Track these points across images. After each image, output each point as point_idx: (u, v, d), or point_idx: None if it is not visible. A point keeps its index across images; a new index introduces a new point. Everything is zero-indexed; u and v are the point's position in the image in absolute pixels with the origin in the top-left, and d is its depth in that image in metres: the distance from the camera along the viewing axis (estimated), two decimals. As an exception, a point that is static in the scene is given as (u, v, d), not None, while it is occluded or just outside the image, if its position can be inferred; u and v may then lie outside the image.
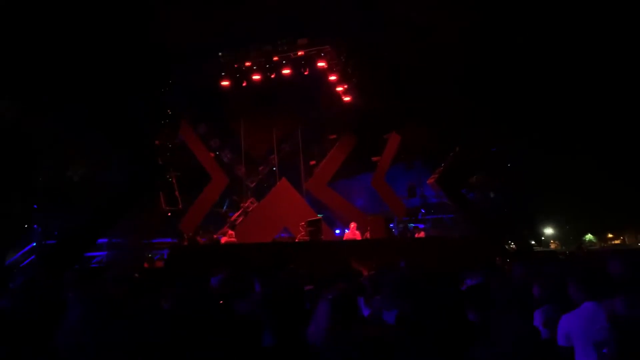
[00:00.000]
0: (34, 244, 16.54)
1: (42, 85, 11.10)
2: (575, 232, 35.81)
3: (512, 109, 14.50)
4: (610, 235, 38.57)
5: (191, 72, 13.72)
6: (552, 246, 35.98)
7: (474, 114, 14.59)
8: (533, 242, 26.73)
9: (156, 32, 11.71)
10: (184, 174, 14.72)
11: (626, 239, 37.77)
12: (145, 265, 13.00)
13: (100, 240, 14.93)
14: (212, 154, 16.18)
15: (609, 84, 14.45)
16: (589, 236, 37.70)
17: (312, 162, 17.39)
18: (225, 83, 14.02)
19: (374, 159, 16.87)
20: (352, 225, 13.75)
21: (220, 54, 13.85)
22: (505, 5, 12.08)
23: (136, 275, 7.52)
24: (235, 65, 14.06)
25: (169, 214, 14.45)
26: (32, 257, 16.23)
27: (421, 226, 16.94)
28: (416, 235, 15.09)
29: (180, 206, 14.22)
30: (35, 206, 15.62)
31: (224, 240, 13.42)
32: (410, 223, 16.97)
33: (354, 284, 4.74)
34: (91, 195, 13.79)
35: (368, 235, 13.95)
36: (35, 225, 16.44)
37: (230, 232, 14.05)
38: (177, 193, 14.08)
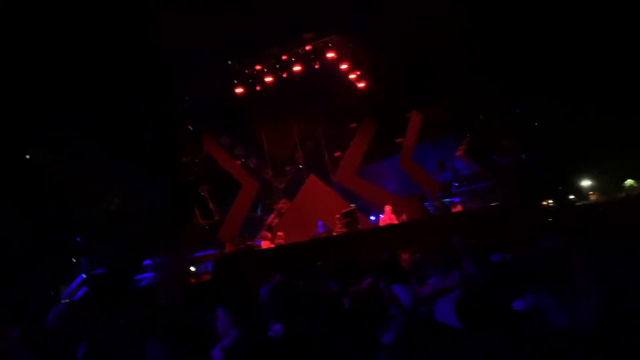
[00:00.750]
0: (83, 276, 17.10)
1: (66, 124, 11.39)
2: (614, 180, 34.76)
3: (530, 65, 14.12)
4: (652, 177, 37.22)
5: (205, 85, 13.87)
6: (592, 197, 35.02)
7: (491, 79, 14.27)
8: (572, 197, 26.08)
9: (164, 51, 11.87)
10: (214, 186, 14.92)
11: (669, 178, 36.42)
12: (192, 280, 13.27)
13: (146, 262, 15.33)
14: (238, 162, 16.35)
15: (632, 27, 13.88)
16: (629, 181, 36.48)
17: (337, 154, 17.35)
18: (239, 90, 14.13)
19: (398, 140, 16.72)
20: (387, 208, 13.65)
21: (229, 62, 13.97)
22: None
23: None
24: (246, 71, 14.16)
25: (207, 227, 14.70)
26: (84, 289, 16.78)
27: (457, 200, 16.70)
28: (453, 210, 14.91)
29: (216, 217, 14.44)
30: (78, 239, 16.12)
31: (264, 244, 13.55)
32: (445, 198, 16.77)
33: (383, 273, 4.53)
34: (129, 221, 14.14)
35: (405, 217, 13.85)
36: (81, 258, 16.98)
37: (268, 234, 14.20)
38: (211, 205, 14.30)
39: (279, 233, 13.97)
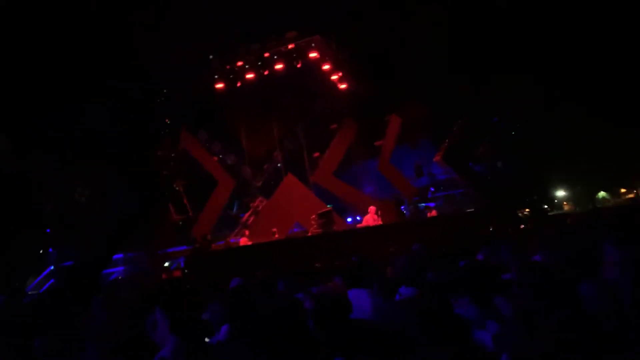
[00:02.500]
0: (52, 267, 16.72)
1: (36, 113, 11.11)
2: (587, 191, 35.46)
3: (508, 74, 14.30)
4: (623, 190, 38.16)
5: (184, 79, 13.68)
6: (566, 208, 35.73)
7: (470, 86, 14.43)
8: (546, 207, 26.54)
9: (145, 42, 11.68)
10: (190, 182, 14.74)
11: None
12: (164, 276, 13.08)
13: (116, 257, 15.05)
14: (216, 158, 16.18)
15: (610, 31, 14.14)
16: (602, 193, 37.32)
17: (316, 154, 17.33)
18: (219, 86, 13.97)
19: (377, 143, 16.78)
20: (371, 209, 13.60)
21: (210, 57, 13.81)
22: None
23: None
24: (227, 67, 14.00)
25: (180, 222, 14.50)
26: (52, 280, 16.41)
27: (432, 205, 16.86)
28: (428, 215, 15.02)
29: (190, 214, 14.26)
30: (47, 230, 15.75)
31: (242, 241, 13.46)
32: (420, 203, 16.91)
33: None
34: (101, 214, 13.88)
35: (380, 220, 13.89)
36: (50, 249, 16.60)
37: (247, 232, 14.12)
38: (185, 201, 14.11)
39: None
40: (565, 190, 36.52)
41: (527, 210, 17.65)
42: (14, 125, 11.17)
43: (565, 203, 37.42)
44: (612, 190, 37.80)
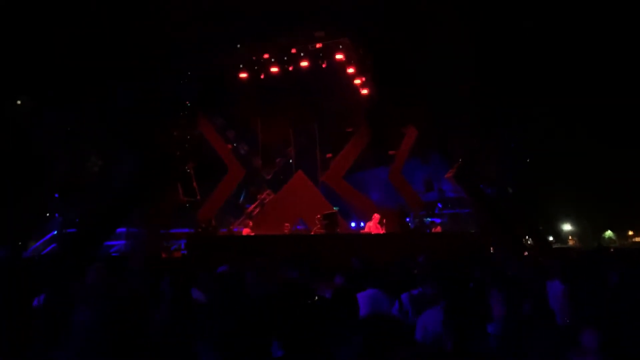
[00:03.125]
0: (55, 232, 16.89)
1: (55, 79, 11.27)
2: (594, 229, 35.13)
3: (530, 104, 14.29)
4: (631, 233, 37.77)
5: (209, 63, 13.77)
6: (571, 243, 35.45)
7: (492, 110, 14.42)
8: (551, 238, 26.32)
9: (173, 23, 11.78)
10: (201, 165, 14.82)
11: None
12: (163, 255, 13.17)
13: (119, 230, 15.17)
14: (230, 146, 16.27)
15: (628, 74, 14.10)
16: (608, 233, 36.99)
17: (329, 155, 17.36)
18: (243, 75, 14.07)
19: (391, 152, 16.77)
20: (375, 216, 13.66)
21: (238, 45, 13.88)
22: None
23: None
24: (254, 58, 14.09)
25: (187, 204, 14.60)
26: (53, 245, 16.59)
27: (437, 220, 16.82)
28: (433, 230, 15.00)
29: (198, 197, 14.35)
30: (56, 195, 15.93)
31: (245, 231, 13.52)
32: (426, 217, 16.87)
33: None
34: (108, 185, 14.02)
35: (383, 229, 13.90)
36: (56, 214, 16.78)
37: (249, 222, 14.18)
38: (194, 184, 14.20)
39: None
40: (571, 225, 36.30)
41: (530, 239, 17.56)
42: (38, 88, 11.33)
43: (570, 238, 37.21)
44: (619, 231, 37.51)
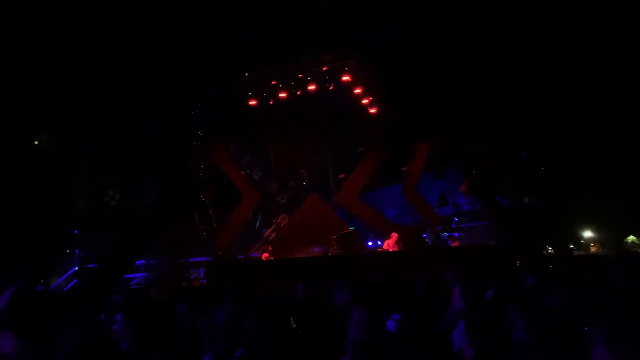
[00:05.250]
0: (76, 268, 17.05)
1: (74, 113, 11.55)
2: (616, 234, 34.40)
3: (543, 111, 14.22)
4: (654, 237, 36.85)
5: (220, 92, 14.05)
6: (593, 249, 34.71)
7: (502, 118, 14.37)
8: (572, 246, 25.86)
9: (184, 55, 12.07)
10: (217, 193, 14.98)
11: (672, 239, 36.07)
12: (183, 284, 13.23)
13: (139, 262, 15.28)
14: (243, 172, 16.44)
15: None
16: (631, 237, 36.16)
17: (342, 175, 17.44)
18: (252, 102, 14.31)
19: (404, 169, 16.79)
20: (394, 235, 13.63)
21: (246, 74, 14.17)
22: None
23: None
24: (262, 85, 14.36)
25: (204, 233, 14.72)
26: (75, 281, 16.74)
27: (455, 235, 16.67)
28: (452, 244, 14.88)
29: (215, 225, 14.46)
30: (76, 231, 16.15)
31: (264, 256, 13.57)
32: (443, 232, 16.75)
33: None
34: (127, 218, 14.19)
35: (400, 246, 13.84)
36: (76, 250, 16.97)
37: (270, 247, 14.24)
38: (211, 212, 14.33)
39: (270, 248, 13.96)
40: (593, 232, 35.60)
41: (552, 249, 17.28)
42: (58, 123, 11.60)
43: (592, 244, 36.43)
44: (642, 235, 36.66)
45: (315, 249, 16.00)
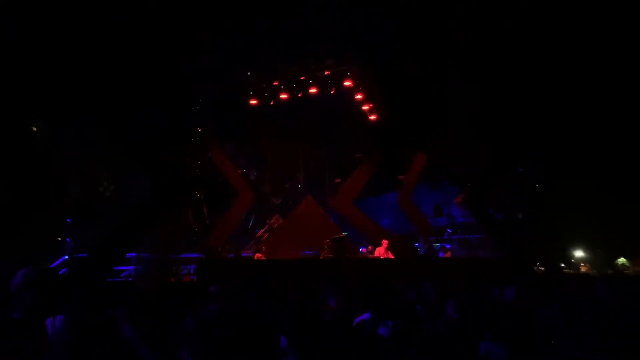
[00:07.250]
0: (66, 257, 16.97)
1: (72, 104, 11.54)
2: (607, 256, 34.55)
3: (540, 130, 14.31)
4: (645, 259, 37.02)
5: (220, 91, 14.06)
6: (583, 269, 34.83)
7: (500, 134, 14.45)
8: (563, 265, 25.95)
9: (185, 52, 12.09)
10: (211, 191, 14.97)
11: (662, 264, 36.24)
12: (172, 279, 13.19)
13: (129, 255, 15.22)
14: (240, 171, 16.43)
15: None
16: (621, 260, 36.33)
17: (338, 180, 17.46)
18: (253, 102, 14.33)
19: (400, 177, 16.83)
20: (384, 242, 13.65)
21: (248, 73, 14.18)
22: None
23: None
24: (263, 85, 14.37)
25: (197, 229, 14.69)
26: (64, 269, 16.65)
27: (447, 246, 16.72)
28: (442, 256, 14.90)
29: (207, 222, 14.44)
30: (68, 220, 16.09)
31: (257, 256, 13.54)
32: (436, 243, 16.79)
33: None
34: (120, 209, 14.15)
35: (391, 255, 13.86)
36: (67, 239, 16.90)
37: (262, 247, 14.20)
38: (204, 209, 14.32)
39: (263, 248, 13.90)
40: (584, 251, 35.71)
41: (542, 266, 17.34)
42: (53, 112, 11.58)
43: (582, 264, 36.55)
44: (633, 257, 36.80)
45: (307, 252, 16.01)
